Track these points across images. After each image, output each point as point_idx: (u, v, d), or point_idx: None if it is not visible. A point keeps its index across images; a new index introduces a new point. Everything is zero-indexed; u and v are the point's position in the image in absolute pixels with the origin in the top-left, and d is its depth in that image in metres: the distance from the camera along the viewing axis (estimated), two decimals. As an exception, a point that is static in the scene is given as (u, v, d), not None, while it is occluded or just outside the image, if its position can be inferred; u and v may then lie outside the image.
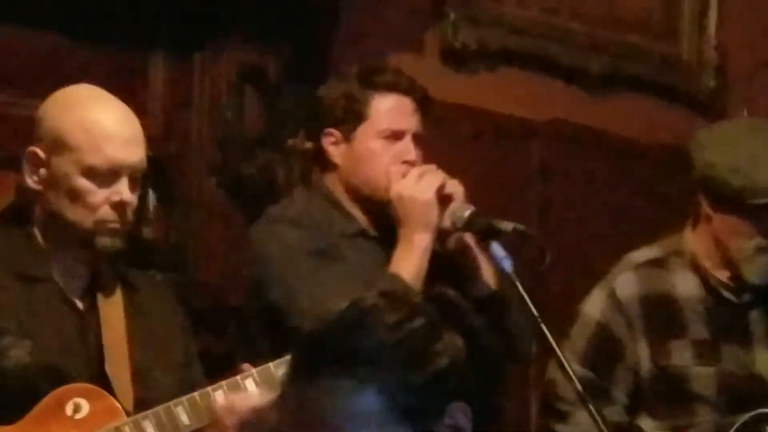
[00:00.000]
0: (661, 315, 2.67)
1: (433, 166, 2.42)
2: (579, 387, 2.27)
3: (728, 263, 2.64)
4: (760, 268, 2.57)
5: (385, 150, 2.40)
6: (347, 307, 1.16)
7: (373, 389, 1.11)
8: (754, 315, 2.64)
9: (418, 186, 2.35)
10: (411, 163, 2.38)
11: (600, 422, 2.22)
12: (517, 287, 2.14)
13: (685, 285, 2.69)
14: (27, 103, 2.51)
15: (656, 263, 2.70)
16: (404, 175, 2.37)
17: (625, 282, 2.69)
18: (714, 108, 3.82)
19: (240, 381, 2.04)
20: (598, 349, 2.67)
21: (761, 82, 3.91)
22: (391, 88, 2.42)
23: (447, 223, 2.35)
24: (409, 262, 2.34)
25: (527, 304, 2.12)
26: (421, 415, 1.17)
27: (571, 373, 2.30)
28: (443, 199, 2.31)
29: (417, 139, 2.40)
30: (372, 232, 2.41)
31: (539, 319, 2.16)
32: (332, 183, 2.45)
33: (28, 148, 2.08)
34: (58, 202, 2.07)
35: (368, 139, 2.39)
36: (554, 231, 3.31)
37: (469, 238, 2.39)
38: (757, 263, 2.56)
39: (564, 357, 2.46)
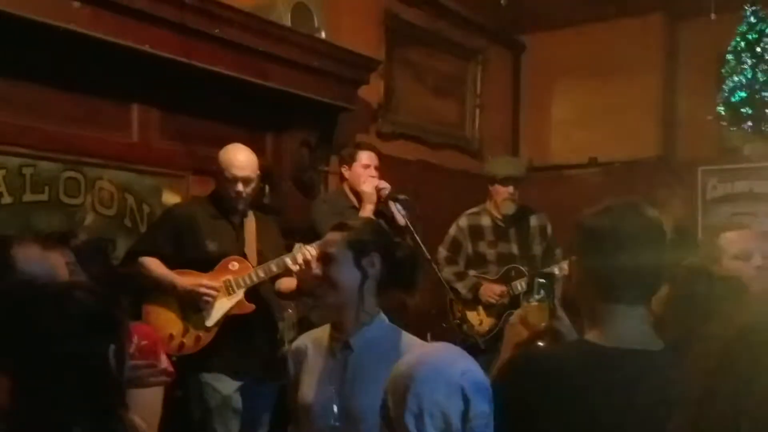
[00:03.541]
0: (475, 233, 4.02)
1: (378, 180, 3.46)
2: (435, 265, 3.38)
3: (497, 209, 3.94)
4: (506, 208, 3.94)
5: (363, 172, 3.57)
6: None
7: None
8: (511, 230, 4.01)
9: (368, 186, 3.47)
10: (373, 176, 3.50)
11: (437, 271, 3.45)
12: (408, 224, 3.25)
13: (482, 221, 3.95)
14: (213, 151, 3.40)
15: (475, 213, 4.07)
16: (364, 182, 3.48)
17: (459, 220, 4.01)
18: (479, 156, 5.54)
19: (301, 250, 2.93)
20: (452, 244, 4.07)
21: (495, 147, 5.63)
22: (365, 148, 3.71)
23: (380, 196, 3.36)
24: (366, 214, 3.36)
25: (412, 229, 3.20)
26: None
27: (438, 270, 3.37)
28: (379, 192, 3.44)
29: (377, 168, 3.61)
30: (357, 206, 3.47)
31: (418, 236, 3.13)
32: (345, 186, 3.67)
33: (216, 167, 3.17)
34: (223, 189, 3.13)
35: (357, 168, 3.62)
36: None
37: (391, 206, 3.35)
38: (504, 206, 3.96)
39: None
